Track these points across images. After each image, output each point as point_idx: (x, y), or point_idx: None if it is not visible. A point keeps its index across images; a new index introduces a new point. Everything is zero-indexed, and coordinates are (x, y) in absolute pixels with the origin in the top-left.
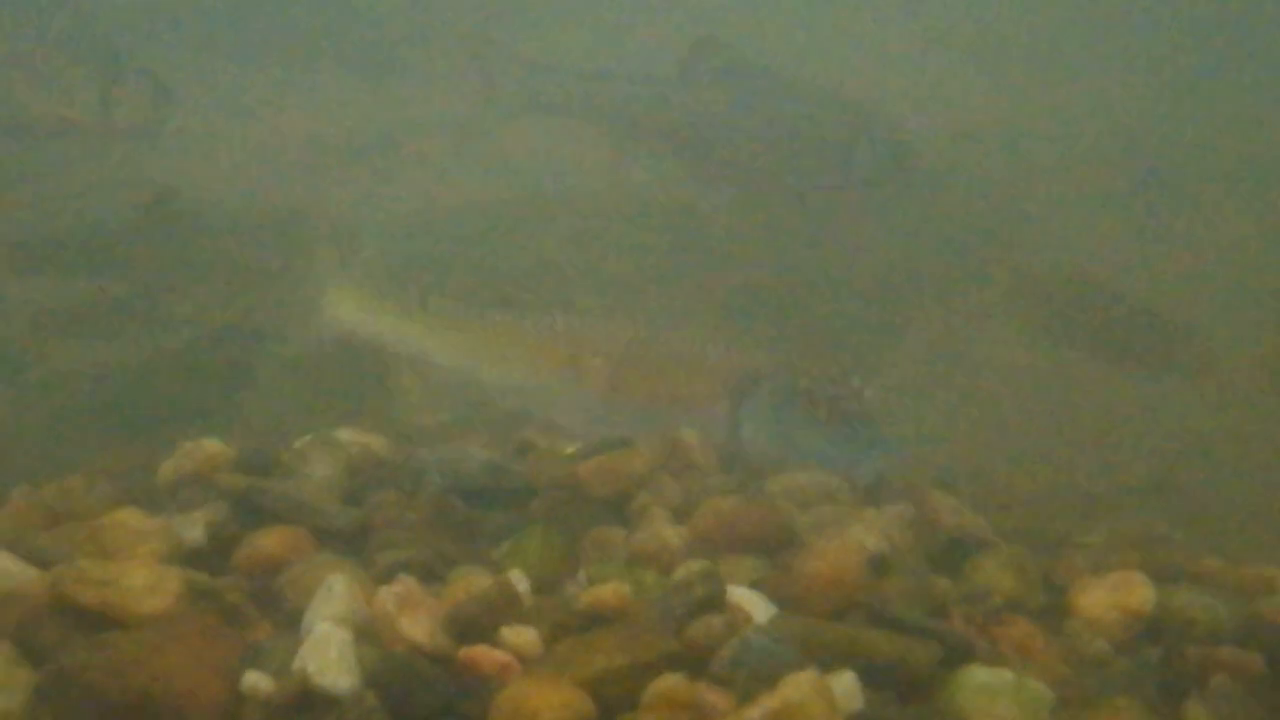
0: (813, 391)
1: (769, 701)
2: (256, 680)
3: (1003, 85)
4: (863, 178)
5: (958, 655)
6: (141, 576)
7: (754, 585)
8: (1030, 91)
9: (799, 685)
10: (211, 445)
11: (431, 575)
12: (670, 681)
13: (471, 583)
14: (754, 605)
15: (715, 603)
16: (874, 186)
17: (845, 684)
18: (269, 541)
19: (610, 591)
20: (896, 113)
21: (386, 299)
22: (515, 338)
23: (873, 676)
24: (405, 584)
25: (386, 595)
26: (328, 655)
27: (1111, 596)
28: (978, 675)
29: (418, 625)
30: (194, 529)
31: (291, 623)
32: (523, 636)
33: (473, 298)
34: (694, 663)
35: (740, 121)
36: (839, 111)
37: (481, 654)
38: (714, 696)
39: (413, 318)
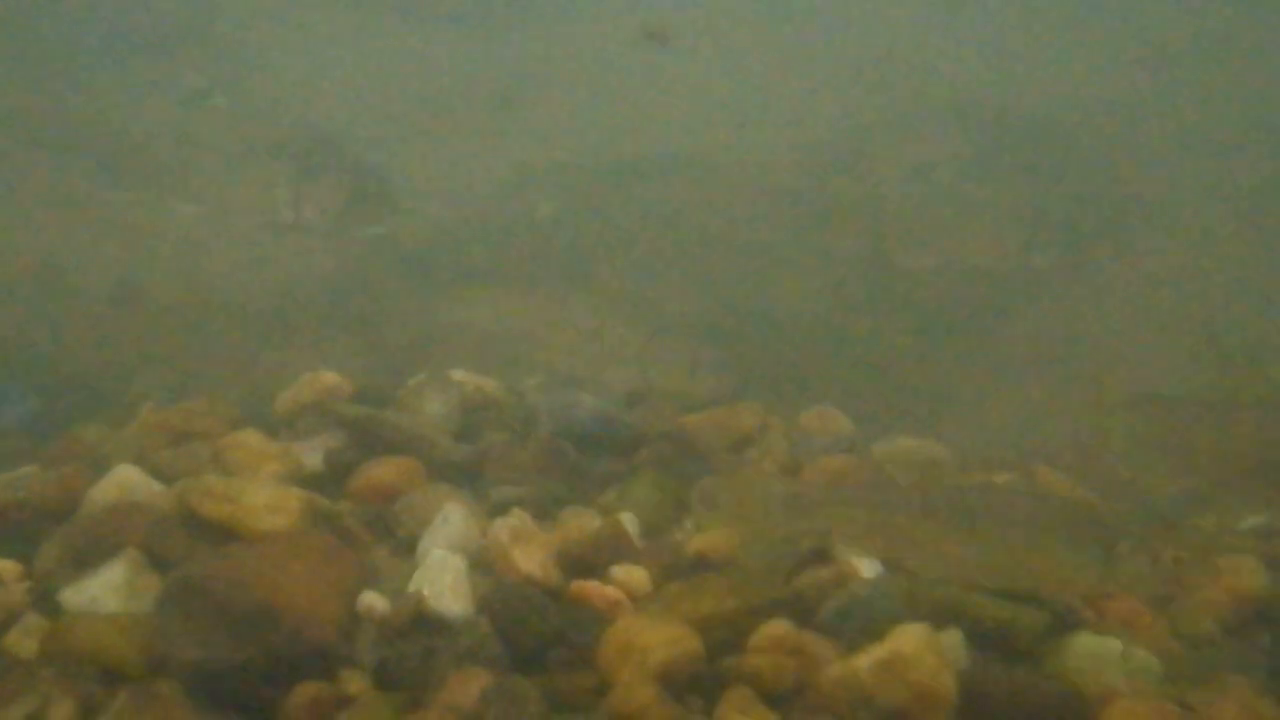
0: None
1: (878, 651)
2: (373, 600)
3: None
4: None
5: (1064, 623)
6: (263, 495)
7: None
8: None
9: (909, 637)
10: (329, 376)
11: (542, 513)
12: (778, 627)
13: (583, 522)
14: (860, 562)
15: (824, 555)
16: None
17: (953, 641)
18: (385, 470)
19: (720, 539)
20: None
21: None
22: None
23: (979, 638)
24: (519, 517)
25: (501, 527)
26: (443, 580)
27: (1222, 579)
28: (1086, 642)
29: (530, 558)
30: (313, 454)
31: (405, 549)
32: (633, 575)
33: None
34: (800, 612)
35: None
36: None
37: (593, 589)
38: (820, 644)
39: None
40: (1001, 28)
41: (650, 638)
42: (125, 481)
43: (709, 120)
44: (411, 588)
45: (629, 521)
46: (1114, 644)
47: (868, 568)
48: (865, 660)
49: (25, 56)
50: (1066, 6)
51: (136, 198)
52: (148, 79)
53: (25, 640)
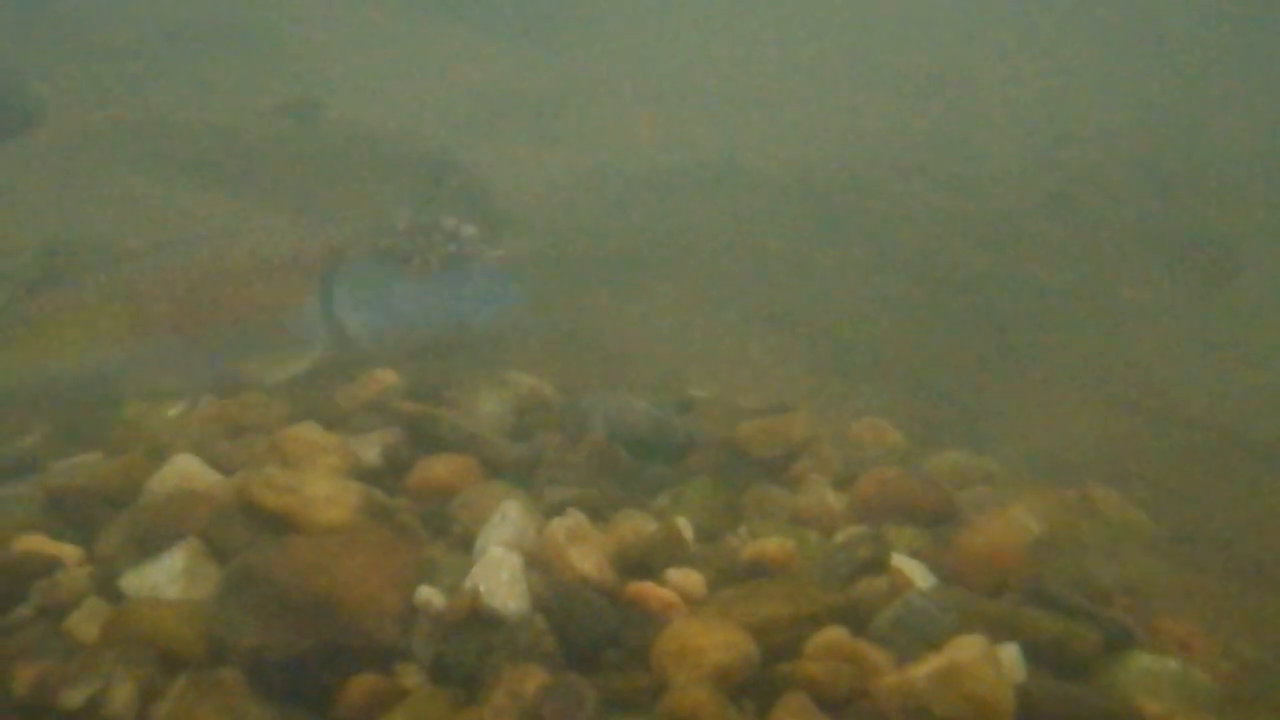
0: (401, 245)
1: (936, 661)
2: (430, 595)
3: None
4: None
5: (1119, 642)
6: (323, 487)
7: (913, 555)
8: None
9: (968, 648)
10: (387, 375)
11: (597, 514)
12: (833, 634)
13: (638, 524)
14: (914, 573)
15: (879, 565)
16: None
17: (1010, 655)
18: (441, 467)
19: (775, 545)
20: None
21: None
22: (69, 316)
23: (1034, 653)
24: (576, 518)
25: (558, 527)
26: (499, 578)
27: None
28: (1142, 661)
29: (586, 558)
30: (370, 450)
31: (461, 545)
32: (688, 578)
33: None
34: (855, 620)
35: None
36: None
37: (649, 590)
38: (875, 653)
39: None
40: (1145, 57)
41: (705, 641)
42: (185, 471)
43: (791, 132)
44: (468, 584)
45: (684, 525)
46: (1171, 664)
47: (921, 580)
48: (923, 670)
49: (93, 55)
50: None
51: (240, 208)
52: (224, 81)
53: (87, 624)
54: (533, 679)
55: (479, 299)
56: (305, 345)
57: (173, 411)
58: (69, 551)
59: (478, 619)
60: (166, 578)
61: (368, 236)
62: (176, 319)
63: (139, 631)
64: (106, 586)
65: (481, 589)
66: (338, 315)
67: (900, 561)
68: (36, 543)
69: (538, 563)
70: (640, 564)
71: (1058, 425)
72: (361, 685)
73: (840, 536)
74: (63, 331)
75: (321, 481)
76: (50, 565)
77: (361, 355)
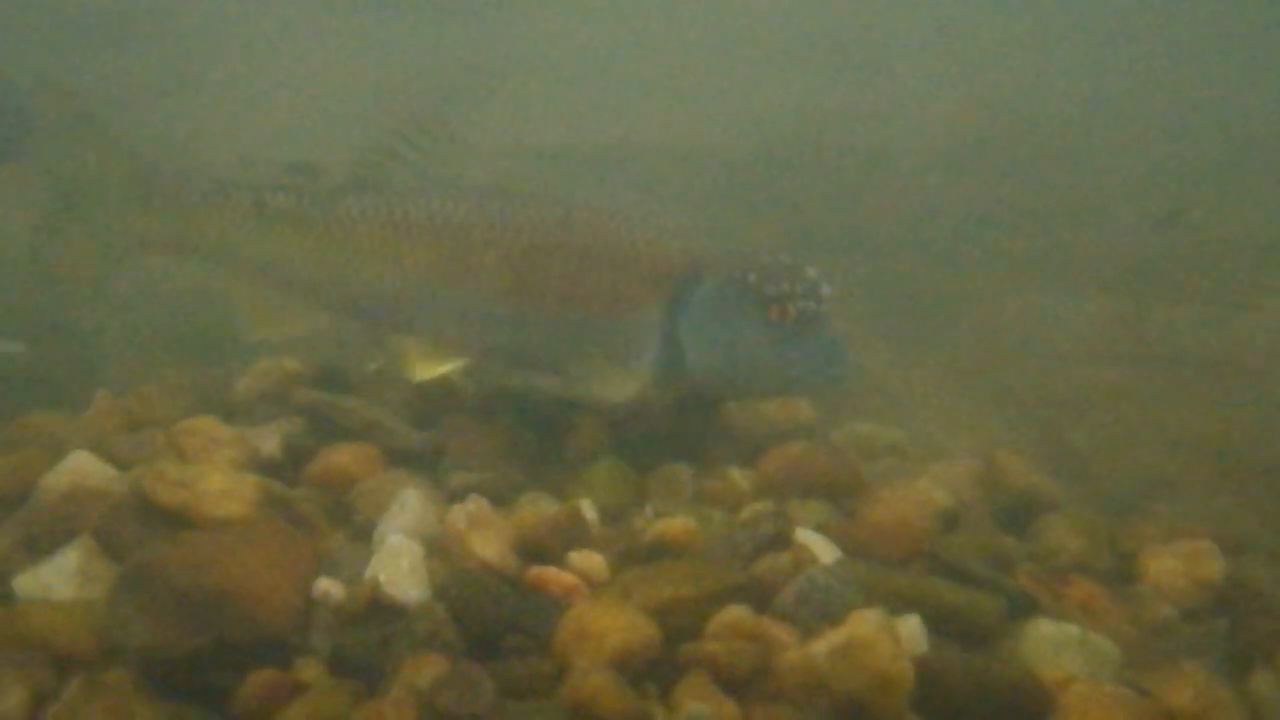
0: (764, 287)
1: (835, 637)
2: (328, 586)
3: None
4: None
5: (1022, 609)
6: (218, 481)
7: (819, 529)
8: None
9: (866, 623)
10: (289, 363)
11: (500, 499)
12: (736, 613)
13: (541, 508)
14: (819, 548)
15: (782, 541)
16: None
17: (911, 627)
18: (342, 457)
19: (678, 525)
20: None
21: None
22: (376, 229)
23: (937, 624)
24: (477, 503)
25: (458, 513)
26: (399, 566)
27: (1181, 565)
28: (1044, 628)
29: (488, 544)
30: (269, 440)
31: (362, 535)
32: (590, 561)
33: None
34: (759, 598)
35: None
36: None
37: (550, 575)
38: (778, 630)
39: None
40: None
41: (606, 624)
42: (80, 468)
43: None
44: (368, 574)
45: (587, 507)
46: (1072, 629)
47: (826, 554)
48: (822, 646)
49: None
50: None
51: None
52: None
53: None
54: (432, 669)
55: (814, 364)
56: (635, 362)
57: (440, 369)
58: None
59: (378, 609)
60: (60, 578)
61: (728, 259)
62: (493, 277)
63: (31, 634)
64: None
65: (381, 579)
66: (682, 340)
67: (804, 537)
68: None
69: (439, 550)
70: (542, 548)
71: (967, 392)
72: (258, 681)
73: (745, 513)
74: (363, 241)
75: (217, 475)
76: None
77: (681, 392)
